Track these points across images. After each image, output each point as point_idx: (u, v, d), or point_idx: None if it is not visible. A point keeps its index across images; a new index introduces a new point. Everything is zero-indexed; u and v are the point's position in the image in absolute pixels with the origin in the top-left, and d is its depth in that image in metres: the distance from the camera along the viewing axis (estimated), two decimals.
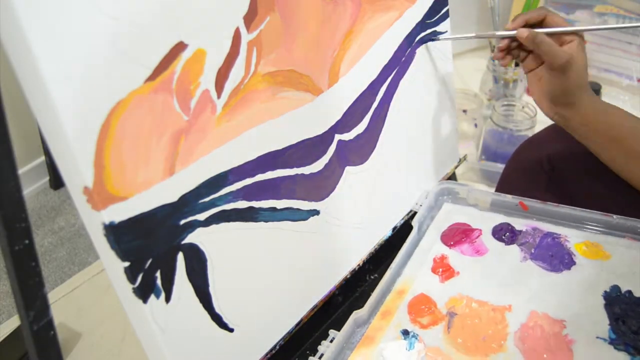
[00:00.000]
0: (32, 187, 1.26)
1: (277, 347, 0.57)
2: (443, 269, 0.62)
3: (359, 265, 0.67)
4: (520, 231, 0.66)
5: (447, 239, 0.66)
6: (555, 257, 0.62)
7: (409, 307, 0.58)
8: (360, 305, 0.73)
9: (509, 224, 0.67)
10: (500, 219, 0.68)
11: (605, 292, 0.57)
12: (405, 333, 0.55)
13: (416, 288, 0.60)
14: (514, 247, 0.64)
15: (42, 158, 1.27)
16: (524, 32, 0.62)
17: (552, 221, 0.67)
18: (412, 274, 0.62)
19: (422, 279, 0.61)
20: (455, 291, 0.60)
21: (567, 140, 0.72)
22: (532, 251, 0.63)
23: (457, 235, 0.66)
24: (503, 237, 0.65)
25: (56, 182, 1.26)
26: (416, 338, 0.55)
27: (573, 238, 0.64)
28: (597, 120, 0.64)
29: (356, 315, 0.57)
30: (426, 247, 0.66)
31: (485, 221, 0.68)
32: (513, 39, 0.64)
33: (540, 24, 0.64)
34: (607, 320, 0.54)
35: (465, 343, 0.54)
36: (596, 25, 0.65)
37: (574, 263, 0.61)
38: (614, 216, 0.64)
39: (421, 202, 0.71)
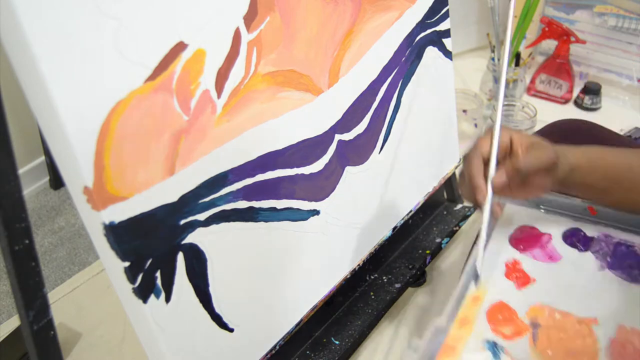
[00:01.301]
0: (32, 187, 1.26)
1: (277, 347, 0.57)
2: (517, 275, 0.59)
3: (359, 265, 0.67)
4: (592, 238, 0.63)
5: (517, 243, 0.63)
6: (634, 268, 0.59)
7: (488, 316, 0.55)
8: (360, 305, 0.74)
9: (580, 230, 0.64)
10: (568, 223, 0.65)
11: None
12: (490, 344, 0.52)
13: (492, 295, 0.57)
14: (589, 255, 0.61)
15: (42, 158, 1.26)
16: (501, 182, 0.55)
17: (622, 228, 0.63)
18: (485, 279, 0.59)
19: (497, 284, 0.58)
20: (534, 300, 0.56)
21: (569, 140, 0.71)
22: (608, 260, 0.60)
23: (527, 239, 0.63)
24: (576, 243, 0.63)
25: (56, 182, 1.26)
26: (502, 350, 0.52)
27: None
28: (591, 171, 0.59)
29: (436, 324, 0.53)
30: (495, 250, 0.62)
31: (552, 225, 0.65)
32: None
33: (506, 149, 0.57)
34: None
35: (554, 357, 0.51)
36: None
37: None
38: None
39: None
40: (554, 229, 0.65)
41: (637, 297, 0.57)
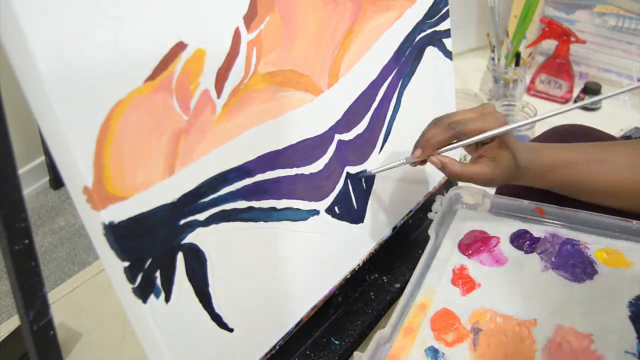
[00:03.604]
0: (32, 187, 1.26)
1: (277, 347, 0.57)
2: (463, 281, 0.60)
3: (359, 265, 0.67)
4: (539, 238, 0.64)
5: (465, 249, 0.64)
6: (577, 266, 0.60)
7: (432, 323, 0.56)
8: (360, 305, 0.74)
9: (527, 231, 0.65)
10: (517, 225, 0.66)
11: (630, 302, 0.55)
12: (432, 351, 0.53)
13: (437, 302, 0.58)
14: (534, 256, 0.62)
15: (42, 158, 1.27)
16: (435, 162, 0.58)
17: (570, 227, 0.65)
18: (432, 287, 0.60)
19: (442, 292, 0.59)
20: (478, 304, 0.57)
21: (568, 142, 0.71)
22: (553, 260, 0.61)
23: (475, 244, 0.64)
24: (523, 245, 0.63)
25: (56, 182, 1.26)
26: (443, 357, 0.53)
27: (593, 245, 0.62)
28: (550, 178, 0.63)
29: (380, 334, 0.54)
30: (444, 257, 0.63)
31: (502, 228, 0.66)
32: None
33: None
34: (634, 333, 0.52)
35: None
36: (509, 126, 0.57)
37: (595, 272, 0.59)
38: (634, 222, 0.61)
39: (436, 209, 0.69)
40: (503, 231, 0.66)
41: (577, 296, 0.57)
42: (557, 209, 0.65)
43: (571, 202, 0.65)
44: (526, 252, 0.63)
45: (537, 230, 0.65)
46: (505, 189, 0.73)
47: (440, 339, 0.55)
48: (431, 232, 0.66)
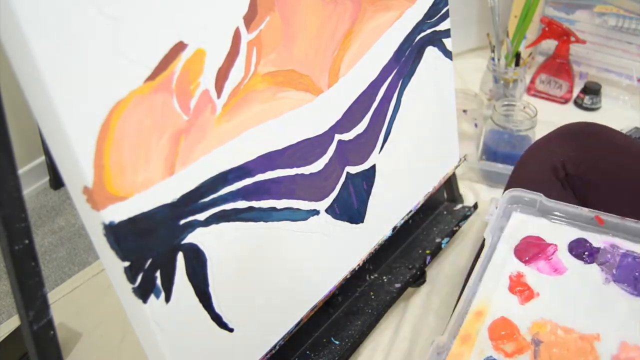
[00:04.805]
0: (32, 187, 1.26)
1: (277, 347, 0.57)
2: (521, 289, 0.59)
3: (359, 265, 0.67)
4: (599, 248, 0.62)
5: (522, 254, 0.62)
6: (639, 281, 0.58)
7: (490, 332, 0.55)
8: (360, 305, 0.74)
9: (585, 240, 0.63)
10: (574, 233, 0.64)
11: None
12: None
13: (495, 310, 0.57)
14: (594, 267, 0.61)
15: (42, 158, 1.27)
16: None
17: (629, 238, 0.63)
18: (489, 293, 0.58)
19: (500, 299, 0.58)
20: (537, 315, 0.56)
21: (581, 144, 0.71)
22: (614, 272, 0.59)
23: (532, 250, 0.63)
24: (582, 254, 0.62)
25: (56, 182, 1.26)
26: None
27: None
28: None
29: (437, 341, 0.53)
30: (500, 262, 0.62)
31: (558, 235, 0.64)
32: None
33: None
34: None
35: None
36: None
37: None
38: None
39: (491, 212, 0.66)
40: (560, 239, 0.64)
41: None
42: (617, 219, 0.63)
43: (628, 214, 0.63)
44: (586, 262, 0.61)
45: (596, 240, 0.63)
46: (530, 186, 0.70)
47: (499, 349, 0.53)
48: (486, 235, 0.64)
